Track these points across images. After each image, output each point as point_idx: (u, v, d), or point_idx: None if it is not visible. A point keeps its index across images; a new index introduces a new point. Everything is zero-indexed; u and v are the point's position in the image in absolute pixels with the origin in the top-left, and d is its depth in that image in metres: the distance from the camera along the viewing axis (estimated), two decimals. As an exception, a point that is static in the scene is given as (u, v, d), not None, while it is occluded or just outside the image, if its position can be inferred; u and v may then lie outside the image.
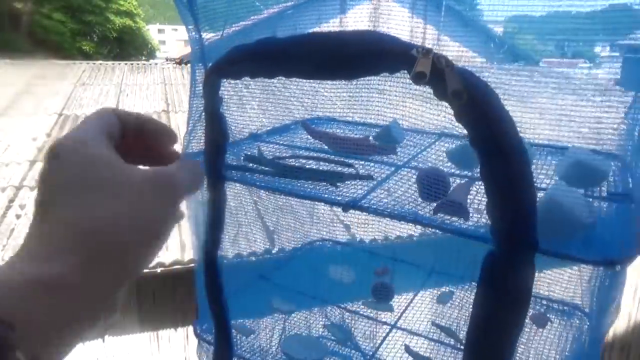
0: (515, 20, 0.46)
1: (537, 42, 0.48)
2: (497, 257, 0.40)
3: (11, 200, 2.61)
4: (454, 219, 0.47)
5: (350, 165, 0.60)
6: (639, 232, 0.41)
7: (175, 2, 0.55)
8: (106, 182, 0.26)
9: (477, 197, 0.51)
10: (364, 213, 0.49)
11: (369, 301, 0.83)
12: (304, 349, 0.74)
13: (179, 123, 4.10)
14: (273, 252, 0.84)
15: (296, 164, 0.61)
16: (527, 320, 0.58)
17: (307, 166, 0.60)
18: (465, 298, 0.80)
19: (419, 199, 0.50)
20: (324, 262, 0.89)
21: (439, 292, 0.84)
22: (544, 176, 0.56)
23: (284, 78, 0.53)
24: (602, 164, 0.52)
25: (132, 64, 6.83)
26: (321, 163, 0.61)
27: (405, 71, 0.39)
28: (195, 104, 0.58)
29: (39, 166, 1.91)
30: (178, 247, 2.81)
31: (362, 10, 0.55)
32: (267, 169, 0.58)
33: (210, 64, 0.51)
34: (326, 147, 0.66)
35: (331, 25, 0.55)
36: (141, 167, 0.28)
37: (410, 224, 0.48)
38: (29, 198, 2.64)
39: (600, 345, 0.56)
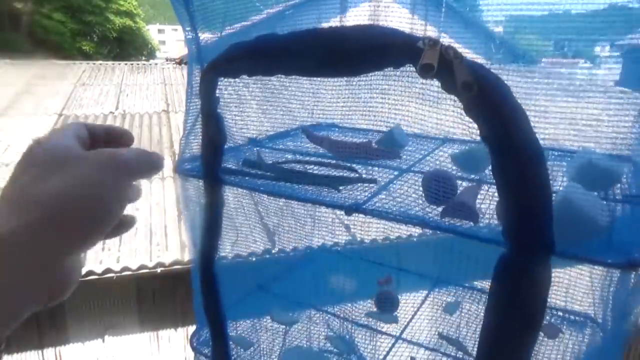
0: (516, 20, 0.45)
1: (537, 42, 0.47)
2: (510, 260, 0.38)
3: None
4: (463, 222, 0.45)
5: (352, 169, 0.58)
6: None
7: (171, 1, 0.54)
8: (64, 161, 0.31)
9: (486, 199, 0.49)
10: (368, 216, 0.47)
11: (372, 312, 0.80)
12: (305, 363, 0.71)
13: (178, 123, 4.10)
14: (273, 252, 0.82)
15: (298, 169, 0.59)
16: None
17: (309, 171, 0.58)
18: (473, 308, 0.77)
19: (426, 202, 0.48)
20: (325, 271, 0.86)
21: (445, 302, 0.81)
22: (552, 178, 0.54)
23: (283, 77, 0.51)
24: (615, 167, 0.50)
25: (132, 64, 6.85)
26: (323, 168, 0.59)
27: (411, 65, 0.38)
28: (192, 104, 0.56)
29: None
30: (178, 247, 2.78)
31: (362, 10, 0.53)
32: (267, 173, 0.56)
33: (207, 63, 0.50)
34: (327, 152, 0.64)
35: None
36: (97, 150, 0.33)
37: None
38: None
39: (618, 356, 0.53)
